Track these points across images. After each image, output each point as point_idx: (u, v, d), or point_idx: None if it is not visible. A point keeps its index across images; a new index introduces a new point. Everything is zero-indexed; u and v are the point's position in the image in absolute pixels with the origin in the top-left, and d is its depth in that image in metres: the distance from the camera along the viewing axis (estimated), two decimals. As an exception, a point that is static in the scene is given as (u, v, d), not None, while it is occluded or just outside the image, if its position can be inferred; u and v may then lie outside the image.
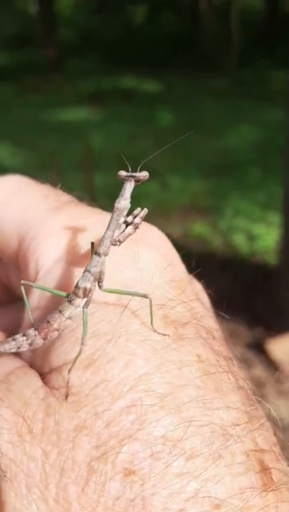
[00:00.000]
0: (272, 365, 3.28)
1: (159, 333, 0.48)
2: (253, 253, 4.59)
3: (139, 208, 0.58)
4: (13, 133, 7.54)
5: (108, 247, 0.55)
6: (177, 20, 13.81)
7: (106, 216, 0.60)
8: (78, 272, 0.55)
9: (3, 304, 0.75)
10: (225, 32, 10.72)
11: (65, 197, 0.66)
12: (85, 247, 0.57)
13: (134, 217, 0.57)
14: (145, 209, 0.57)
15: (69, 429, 0.43)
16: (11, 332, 0.64)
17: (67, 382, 0.46)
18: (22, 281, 0.54)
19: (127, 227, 0.56)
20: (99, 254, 0.54)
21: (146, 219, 0.59)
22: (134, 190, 0.58)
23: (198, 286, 0.64)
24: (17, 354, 0.57)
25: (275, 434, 0.51)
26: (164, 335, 0.48)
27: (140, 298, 0.50)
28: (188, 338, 0.49)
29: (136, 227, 0.56)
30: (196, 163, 6.26)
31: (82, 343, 0.47)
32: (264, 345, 3.39)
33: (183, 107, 8.53)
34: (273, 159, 5.55)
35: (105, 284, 0.53)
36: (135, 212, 0.57)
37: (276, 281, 3.84)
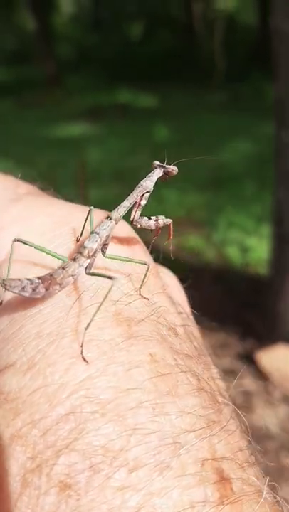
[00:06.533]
0: (261, 375, 3.23)
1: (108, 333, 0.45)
2: (245, 265, 4.56)
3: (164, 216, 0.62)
4: (12, 148, 7.54)
5: (121, 215, 0.57)
6: (173, 36, 13.97)
7: (66, 205, 0.59)
8: (29, 263, 0.53)
9: None
10: (219, 48, 10.86)
11: (24, 188, 0.63)
12: (38, 238, 0.54)
13: (158, 218, 0.61)
14: (170, 219, 0.62)
15: (4, 438, 0.40)
16: None
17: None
18: (15, 238, 0.53)
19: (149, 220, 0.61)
20: (110, 219, 0.56)
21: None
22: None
23: (168, 280, 0.61)
24: None
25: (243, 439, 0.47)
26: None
27: (93, 292, 0.49)
28: (142, 336, 0.46)
29: (156, 226, 0.61)
30: (192, 176, 6.26)
31: None
32: (254, 356, 3.35)
33: (179, 122, 8.57)
34: (268, 172, 5.54)
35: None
36: (161, 215, 0.62)
37: (268, 293, 3.79)
